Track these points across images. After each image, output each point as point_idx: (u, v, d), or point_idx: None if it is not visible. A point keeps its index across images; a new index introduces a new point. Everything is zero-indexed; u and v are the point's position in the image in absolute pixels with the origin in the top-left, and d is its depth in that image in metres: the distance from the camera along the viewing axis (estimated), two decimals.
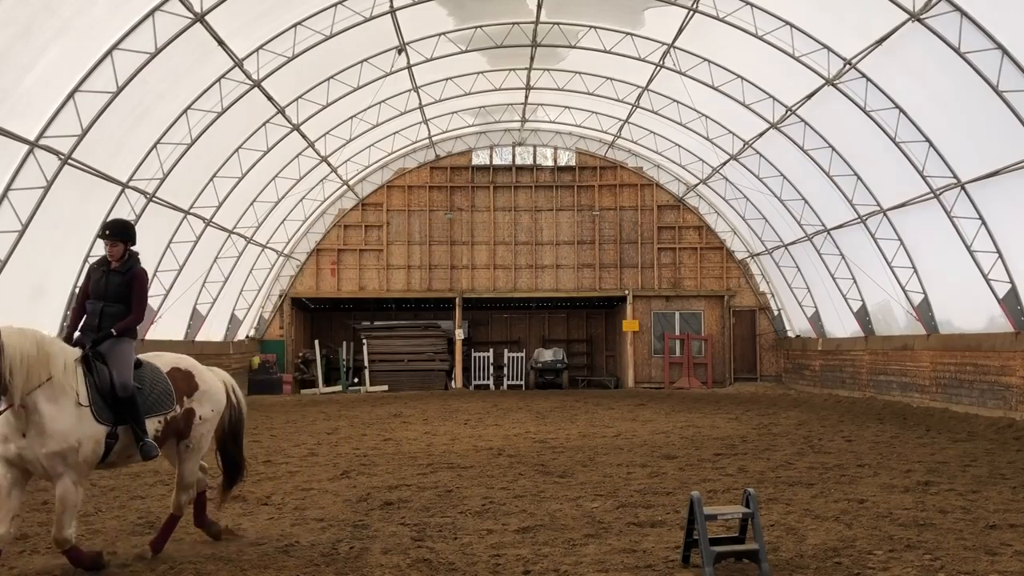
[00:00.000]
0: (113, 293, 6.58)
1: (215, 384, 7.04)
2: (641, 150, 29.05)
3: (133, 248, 6.80)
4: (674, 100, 23.45)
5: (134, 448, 6.38)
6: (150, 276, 19.38)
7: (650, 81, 22.82)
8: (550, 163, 30.46)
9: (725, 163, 25.34)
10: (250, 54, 17.01)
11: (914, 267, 19.73)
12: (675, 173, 29.37)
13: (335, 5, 17.14)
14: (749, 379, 29.52)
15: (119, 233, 6.71)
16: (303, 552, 6.76)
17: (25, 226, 13.70)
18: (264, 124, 20.17)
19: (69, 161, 14.17)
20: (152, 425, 6.45)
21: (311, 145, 22.98)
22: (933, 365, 19.40)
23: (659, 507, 8.36)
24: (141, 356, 6.74)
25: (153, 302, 19.71)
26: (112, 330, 6.48)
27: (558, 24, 20.58)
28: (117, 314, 6.57)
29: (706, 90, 21.53)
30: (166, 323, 20.48)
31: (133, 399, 6.30)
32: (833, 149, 20.43)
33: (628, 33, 20.51)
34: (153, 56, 14.44)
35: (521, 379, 30.20)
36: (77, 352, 6.30)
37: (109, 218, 16.46)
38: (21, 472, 6.00)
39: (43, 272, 15.32)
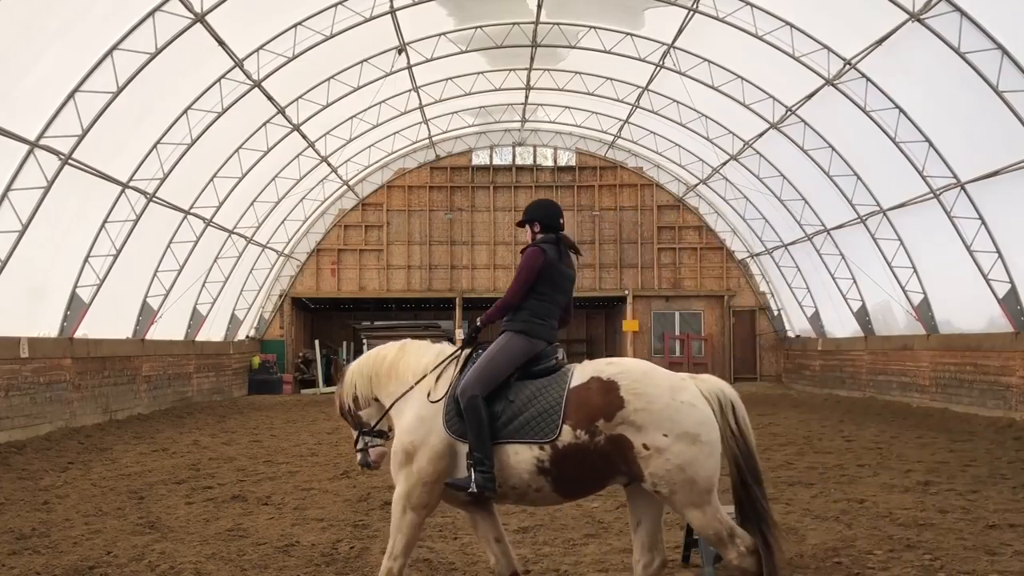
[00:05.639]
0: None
1: (669, 402, 4.73)
2: (641, 150, 29.05)
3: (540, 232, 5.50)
4: (674, 100, 23.44)
5: (522, 480, 4.89)
6: (150, 277, 19.40)
7: (650, 81, 22.81)
8: (550, 163, 30.45)
9: (725, 163, 25.33)
10: (250, 54, 17.01)
11: (914, 267, 19.72)
12: (675, 173, 29.36)
13: (335, 5, 17.13)
14: (749, 379, 29.49)
15: (526, 212, 5.59)
16: (303, 552, 6.76)
17: (25, 226, 13.68)
18: (264, 124, 20.16)
19: (69, 161, 14.16)
20: (524, 454, 4.84)
21: (311, 145, 22.98)
22: (933, 365, 19.39)
23: None
24: (583, 363, 5.13)
25: (153, 302, 19.72)
26: (478, 320, 5.56)
27: (558, 24, 20.57)
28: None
29: (706, 90, 21.52)
30: (166, 323, 20.48)
31: (469, 409, 4.92)
32: (833, 149, 20.42)
33: (628, 33, 20.50)
34: (153, 56, 14.42)
35: None
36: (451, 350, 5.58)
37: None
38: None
39: (43, 272, 15.32)
